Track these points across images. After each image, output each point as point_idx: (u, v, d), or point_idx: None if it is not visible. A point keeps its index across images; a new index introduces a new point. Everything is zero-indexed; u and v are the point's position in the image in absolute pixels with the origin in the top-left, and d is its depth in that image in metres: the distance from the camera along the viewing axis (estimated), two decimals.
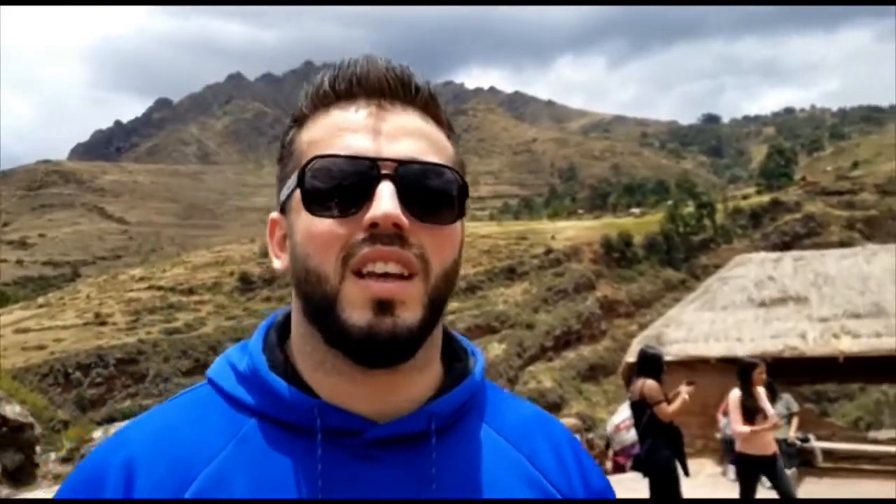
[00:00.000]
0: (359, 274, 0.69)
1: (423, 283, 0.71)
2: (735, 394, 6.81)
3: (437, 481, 0.72)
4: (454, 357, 0.83)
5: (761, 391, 6.80)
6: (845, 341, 11.24)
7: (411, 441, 0.74)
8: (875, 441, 11.48)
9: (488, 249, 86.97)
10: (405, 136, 0.73)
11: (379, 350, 0.69)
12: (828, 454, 11.06)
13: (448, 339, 0.84)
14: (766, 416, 6.75)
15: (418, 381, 0.76)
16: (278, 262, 0.79)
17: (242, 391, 0.76)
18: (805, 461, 10.95)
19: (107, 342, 68.56)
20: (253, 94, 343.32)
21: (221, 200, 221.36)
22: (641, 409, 6.67)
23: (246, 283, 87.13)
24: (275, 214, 0.80)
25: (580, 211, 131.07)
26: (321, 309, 0.71)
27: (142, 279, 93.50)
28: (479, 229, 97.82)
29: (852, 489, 9.34)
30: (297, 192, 0.72)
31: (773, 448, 6.74)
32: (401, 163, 0.71)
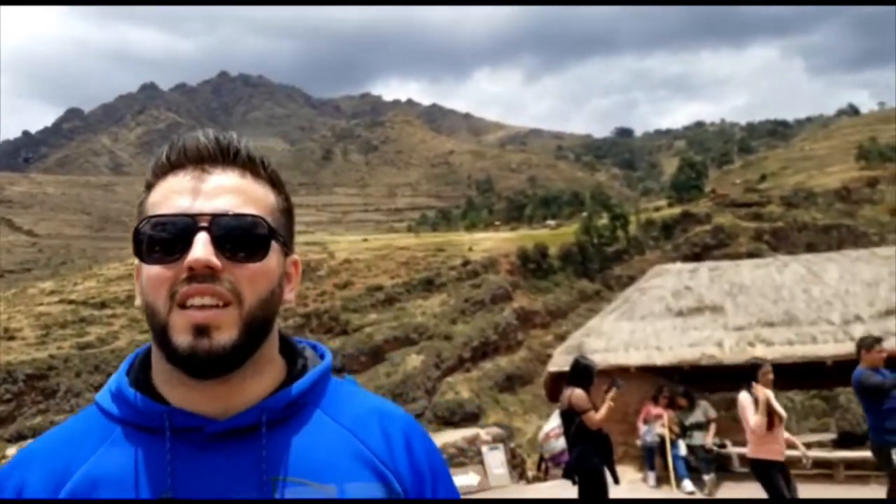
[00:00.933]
0: (182, 306, 0.87)
1: (236, 311, 0.88)
2: (744, 395, 6.79)
3: (268, 463, 0.90)
4: (295, 362, 1.02)
5: (769, 392, 6.74)
6: (759, 349, 11.52)
7: (247, 433, 0.91)
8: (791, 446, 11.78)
9: (406, 261, 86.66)
10: (222, 193, 0.91)
11: (200, 365, 0.87)
12: (744, 459, 11.28)
13: (289, 347, 1.04)
14: (781, 419, 6.71)
15: (252, 385, 0.94)
16: (137, 300, 0.96)
17: (112, 405, 0.95)
18: (722, 466, 11.14)
19: (15, 357, 65.06)
20: (167, 104, 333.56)
21: (134, 212, 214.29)
22: (570, 417, 6.68)
23: None
24: (136, 262, 0.96)
25: (497, 223, 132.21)
26: (158, 335, 0.89)
27: (52, 293, 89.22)
28: (396, 241, 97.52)
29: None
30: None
31: (784, 453, 6.70)
32: (214, 216, 0.89)
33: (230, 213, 0.90)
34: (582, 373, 6.84)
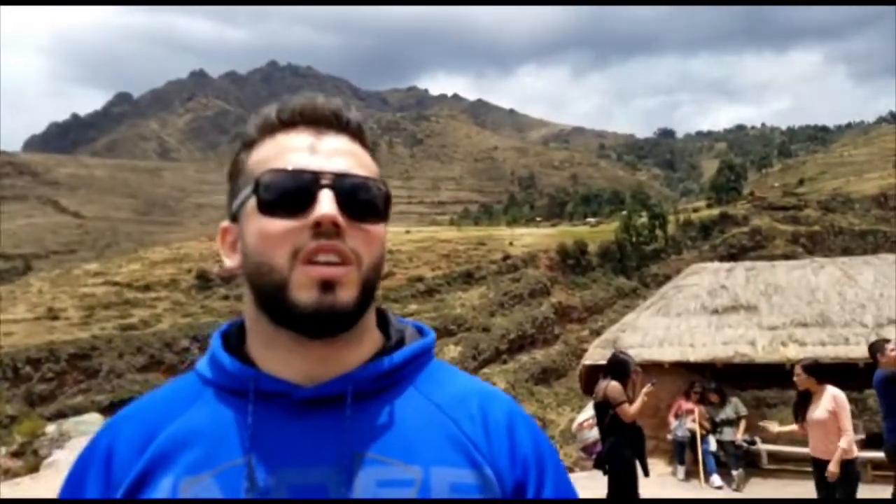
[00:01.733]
0: (308, 263, 0.85)
1: (357, 271, 0.87)
2: (841, 395, 6.65)
3: (351, 436, 0.86)
4: (387, 334, 0.99)
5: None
6: (792, 349, 11.69)
7: (334, 403, 0.88)
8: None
9: (447, 254, 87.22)
10: (339, 155, 0.90)
11: (323, 321, 0.85)
12: (772, 456, 11.50)
13: (386, 320, 1.01)
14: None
15: (349, 353, 0.91)
16: (230, 261, 0.94)
17: (207, 368, 0.95)
18: (751, 462, 11.37)
19: (59, 337, 66.69)
20: (216, 91, 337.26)
21: (181, 197, 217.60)
22: (604, 409, 6.87)
23: (204, 281, 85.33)
24: (225, 223, 0.95)
25: (538, 219, 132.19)
26: (272, 293, 0.86)
27: (97, 274, 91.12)
28: (438, 234, 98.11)
29: (795, 489, 9.78)
30: (252, 201, 0.88)
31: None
32: (337, 175, 0.88)
33: (350, 173, 0.89)
34: (619, 366, 7.01)
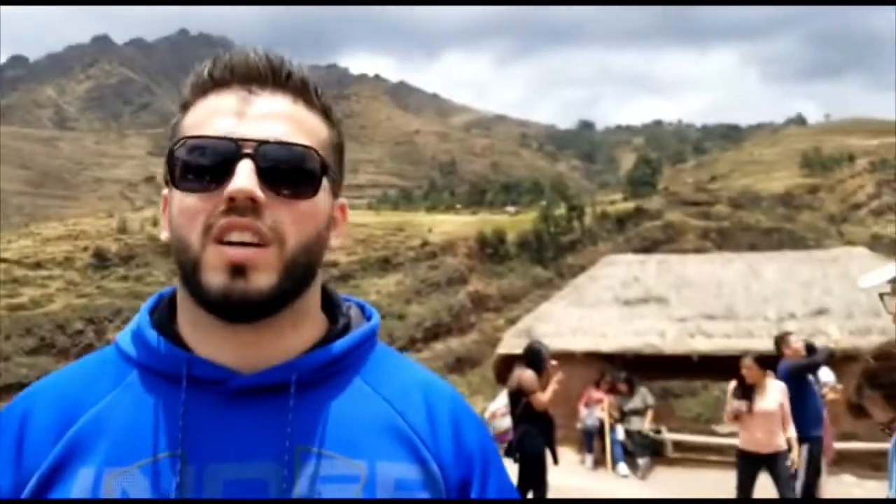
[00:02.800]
0: (219, 242, 0.77)
1: (277, 252, 0.78)
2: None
3: (294, 428, 0.79)
4: (337, 319, 0.91)
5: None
6: (700, 341, 12.02)
7: (275, 392, 0.81)
8: (719, 434, 12.34)
9: (364, 238, 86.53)
10: (271, 118, 0.80)
11: (233, 308, 0.78)
12: (677, 445, 11.80)
13: (332, 303, 0.93)
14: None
15: (288, 339, 0.84)
16: (163, 233, 0.86)
17: (131, 346, 0.85)
18: (656, 451, 11.62)
19: None
20: (120, 58, 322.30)
21: (78, 170, 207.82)
22: (517, 398, 6.92)
23: (101, 260, 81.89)
24: (166, 191, 0.86)
25: (458, 206, 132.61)
26: (188, 272, 0.79)
27: None
28: (355, 218, 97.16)
29: (699, 477, 10.04)
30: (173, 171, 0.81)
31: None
32: (260, 143, 0.78)
33: (279, 140, 0.80)
34: (534, 356, 7.08)
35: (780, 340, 7.29)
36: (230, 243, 0.77)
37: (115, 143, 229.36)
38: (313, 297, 0.88)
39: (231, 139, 0.78)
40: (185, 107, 0.85)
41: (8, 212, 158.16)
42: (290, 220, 0.79)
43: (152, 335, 0.84)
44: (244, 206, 0.76)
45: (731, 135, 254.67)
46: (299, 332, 0.85)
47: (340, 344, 0.86)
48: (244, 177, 0.76)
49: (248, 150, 0.78)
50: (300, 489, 0.78)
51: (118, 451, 0.78)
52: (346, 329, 0.89)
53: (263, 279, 0.77)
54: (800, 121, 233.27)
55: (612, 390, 11.65)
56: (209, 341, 0.82)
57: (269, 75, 0.83)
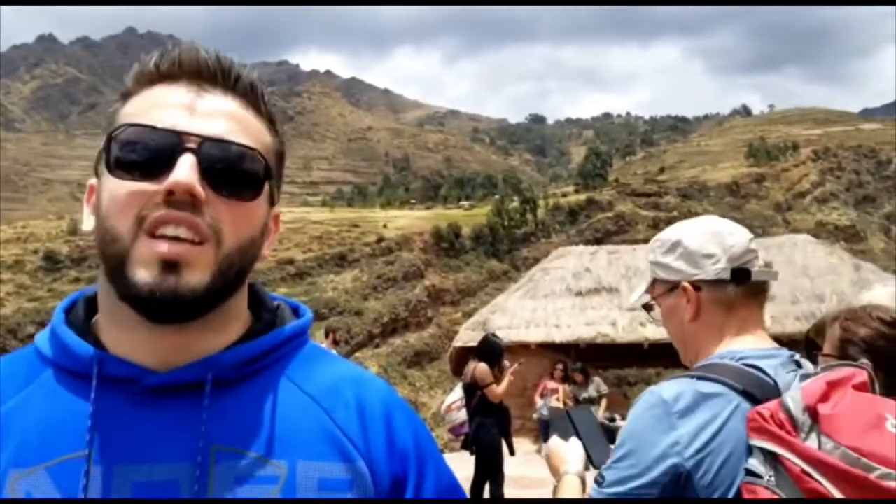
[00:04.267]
0: (151, 235, 0.74)
1: (213, 251, 0.76)
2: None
3: (209, 428, 0.76)
4: (261, 318, 0.88)
5: None
6: (650, 329, 12.26)
7: (191, 390, 0.78)
8: None
9: (319, 235, 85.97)
10: (217, 116, 0.78)
11: (161, 307, 0.74)
12: None
13: (259, 302, 0.90)
14: None
15: (209, 336, 0.80)
16: (86, 224, 0.82)
17: (46, 345, 0.82)
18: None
19: None
20: (66, 58, 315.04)
21: (25, 172, 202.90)
22: (472, 390, 7.00)
23: (52, 263, 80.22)
24: (92, 180, 0.83)
25: (412, 201, 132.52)
26: (114, 266, 0.75)
27: None
28: (310, 215, 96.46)
29: None
30: (105, 159, 0.77)
31: None
32: (205, 139, 0.76)
33: (224, 139, 0.78)
34: (490, 350, 7.16)
35: None
36: (164, 237, 0.74)
37: (63, 143, 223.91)
38: (240, 301, 0.85)
39: (175, 131, 0.76)
40: (126, 96, 0.82)
41: None
42: (229, 221, 0.77)
43: (66, 332, 0.81)
44: (183, 201, 0.74)
45: (678, 126, 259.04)
46: (222, 333, 0.82)
47: (262, 341, 0.83)
48: (185, 170, 0.74)
49: (191, 145, 0.76)
50: (214, 491, 0.75)
51: (24, 452, 0.75)
52: (271, 326, 0.87)
53: (196, 277, 0.75)
54: (745, 112, 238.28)
55: (565, 380, 11.84)
56: (127, 340, 0.79)
57: (219, 75, 0.81)
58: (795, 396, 1.24)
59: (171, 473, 0.75)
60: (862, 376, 1.29)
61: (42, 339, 0.84)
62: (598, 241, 60.53)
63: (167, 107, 0.78)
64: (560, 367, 11.97)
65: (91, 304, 0.86)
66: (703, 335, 1.50)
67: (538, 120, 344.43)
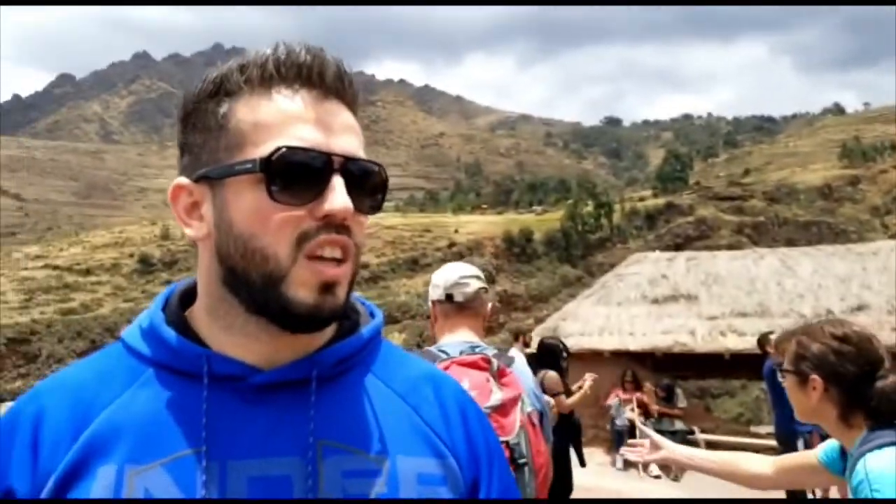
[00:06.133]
0: (309, 258, 0.76)
1: (351, 266, 0.80)
2: None
3: (316, 422, 0.79)
4: (346, 316, 0.89)
5: None
6: (731, 339, 11.68)
7: (295, 387, 0.80)
8: (756, 435, 11.99)
9: (392, 240, 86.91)
10: (345, 131, 0.80)
11: (316, 321, 0.78)
12: (711, 446, 11.46)
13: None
14: None
15: (309, 338, 0.83)
16: (192, 231, 0.82)
17: (143, 344, 0.83)
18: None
19: None
20: (159, 73, 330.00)
21: (122, 181, 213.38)
22: None
23: (145, 265, 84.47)
24: (183, 181, 0.82)
25: (484, 206, 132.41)
26: (259, 283, 0.77)
27: (37, 257, 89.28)
28: (383, 220, 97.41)
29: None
30: (252, 175, 0.76)
31: None
32: (347, 158, 0.78)
33: (360, 158, 0.80)
34: (547, 353, 6.91)
35: (763, 339, 7.36)
36: (322, 258, 0.77)
37: (157, 154, 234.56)
38: None
39: (324, 152, 0.77)
40: (232, 94, 0.79)
41: (59, 221, 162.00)
42: (360, 233, 0.81)
43: (170, 333, 0.82)
44: (338, 223, 0.76)
45: (764, 127, 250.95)
46: (319, 333, 0.84)
47: (354, 339, 0.86)
48: (342, 195, 0.76)
49: (337, 166, 0.77)
50: (325, 484, 0.77)
51: (139, 450, 0.77)
52: (356, 326, 0.90)
53: (342, 293, 0.79)
54: (837, 110, 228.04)
55: (637, 388, 11.40)
56: (233, 340, 0.81)
57: (339, 85, 0.81)
58: None
59: (283, 468, 0.77)
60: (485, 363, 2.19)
61: (134, 337, 0.85)
62: (678, 247, 59.05)
63: (303, 122, 0.78)
64: (630, 376, 11.53)
65: (181, 300, 0.88)
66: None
67: (613, 122, 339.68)
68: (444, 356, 2.26)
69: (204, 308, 0.84)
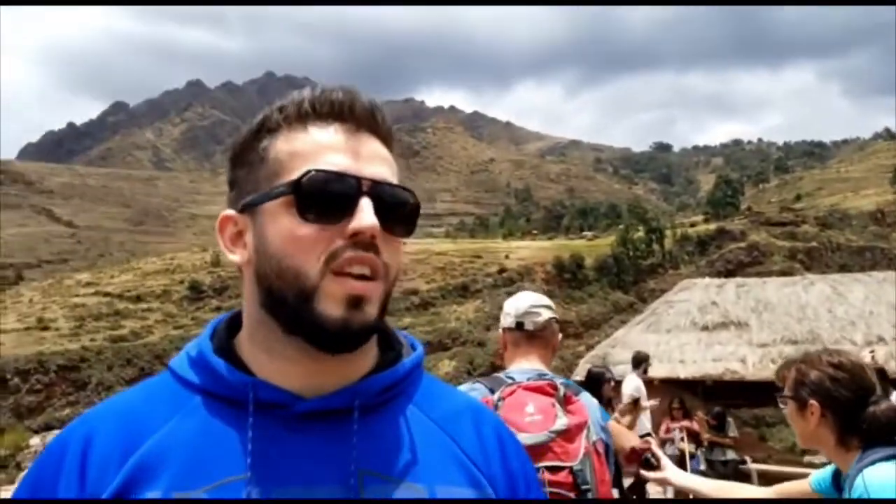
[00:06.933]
0: (337, 274, 0.80)
1: (382, 285, 0.83)
2: None
3: (359, 450, 0.81)
4: (389, 347, 0.93)
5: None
6: None
7: (338, 415, 0.83)
8: (810, 465, 11.87)
9: (443, 266, 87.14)
10: (376, 160, 0.85)
11: (346, 338, 0.80)
12: (763, 477, 11.38)
13: (385, 331, 0.94)
14: None
15: (352, 364, 0.85)
16: (236, 256, 0.87)
17: (191, 372, 0.86)
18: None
19: (48, 348, 66.02)
20: (212, 101, 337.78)
21: (174, 207, 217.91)
22: None
23: (196, 292, 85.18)
24: (229, 212, 0.88)
25: (534, 232, 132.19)
26: (292, 301, 0.80)
27: (88, 284, 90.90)
28: (434, 246, 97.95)
29: None
30: (282, 198, 0.82)
31: None
32: (375, 182, 0.82)
33: (390, 182, 0.85)
34: (591, 382, 7.04)
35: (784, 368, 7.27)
36: (350, 275, 0.80)
37: (209, 181, 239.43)
38: None
39: (353, 176, 0.81)
40: (274, 130, 0.85)
41: (111, 248, 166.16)
42: (391, 256, 0.84)
43: (217, 361, 0.85)
44: (366, 242, 0.80)
45: (815, 152, 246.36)
46: (358, 361, 0.87)
47: (397, 370, 0.89)
48: (369, 214, 0.80)
49: (366, 188, 0.81)
50: None
51: (185, 476, 0.79)
52: (399, 357, 0.92)
53: (372, 311, 0.81)
54: (888, 135, 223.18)
55: (686, 416, 11.37)
56: (277, 367, 0.84)
57: (370, 119, 0.86)
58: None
59: (325, 495, 0.79)
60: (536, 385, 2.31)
61: (182, 366, 0.88)
62: (731, 273, 58.16)
63: (334, 150, 0.83)
64: (677, 404, 11.50)
65: (228, 329, 0.91)
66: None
67: (663, 148, 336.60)
68: (510, 381, 2.32)
69: (247, 334, 0.88)
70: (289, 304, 0.81)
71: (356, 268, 0.80)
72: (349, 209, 0.80)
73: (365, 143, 0.85)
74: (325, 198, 0.81)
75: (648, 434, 7.59)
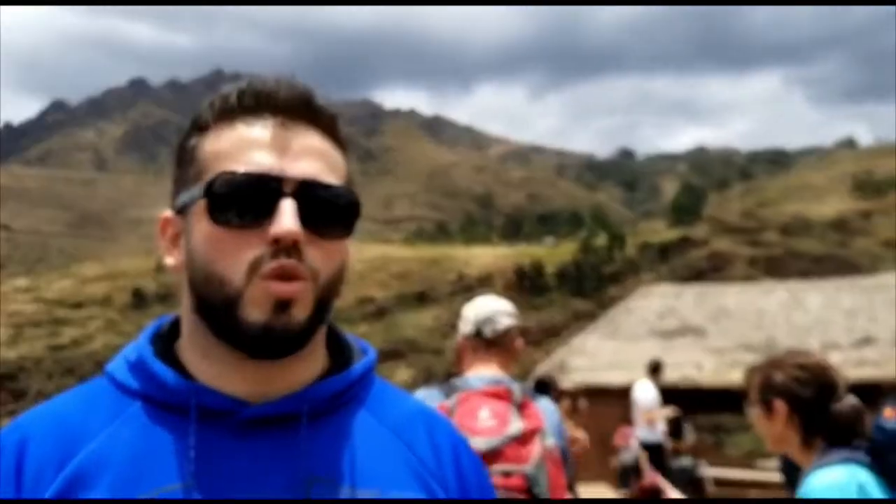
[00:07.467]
0: (263, 278, 0.76)
1: (312, 287, 0.78)
2: None
3: (308, 458, 0.78)
4: (340, 352, 0.90)
5: None
6: (738, 373, 11.54)
7: (286, 422, 0.79)
8: (763, 469, 11.83)
9: (400, 273, 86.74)
10: (306, 155, 0.79)
11: (272, 342, 0.76)
12: (718, 481, 11.33)
13: (336, 336, 0.91)
14: None
15: (298, 369, 0.82)
16: (171, 260, 0.84)
17: (130, 377, 0.82)
18: (696, 488, 11.18)
19: None
20: (157, 100, 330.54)
21: (117, 210, 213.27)
22: None
23: (139, 299, 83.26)
24: (168, 213, 0.85)
25: (495, 238, 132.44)
26: (219, 307, 0.77)
27: (26, 290, 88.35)
28: (391, 252, 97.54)
29: None
30: (201, 201, 0.78)
31: None
32: (301, 182, 0.77)
33: (319, 181, 0.79)
34: (539, 390, 6.89)
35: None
36: (276, 279, 0.76)
37: (153, 183, 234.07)
38: (322, 333, 0.87)
39: (273, 177, 0.77)
40: (203, 129, 0.82)
41: (49, 253, 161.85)
42: (324, 259, 0.79)
43: (158, 366, 0.81)
44: (288, 247, 0.76)
45: (778, 160, 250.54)
46: (306, 365, 0.84)
47: (348, 375, 0.86)
48: (289, 218, 0.75)
49: (289, 189, 0.77)
50: None
51: (124, 483, 0.76)
52: (349, 362, 0.89)
53: (302, 313, 0.77)
54: (850, 144, 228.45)
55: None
56: (218, 372, 0.81)
57: (303, 109, 0.81)
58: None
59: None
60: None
61: (121, 370, 0.84)
62: (692, 280, 58.82)
63: (258, 147, 0.78)
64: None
65: (171, 334, 0.88)
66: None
67: (627, 154, 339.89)
68: (466, 387, 2.31)
69: (186, 339, 0.84)
70: (217, 310, 0.78)
71: (279, 279, 0.76)
72: (270, 213, 0.76)
73: (297, 137, 0.80)
74: (239, 201, 0.76)
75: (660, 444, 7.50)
